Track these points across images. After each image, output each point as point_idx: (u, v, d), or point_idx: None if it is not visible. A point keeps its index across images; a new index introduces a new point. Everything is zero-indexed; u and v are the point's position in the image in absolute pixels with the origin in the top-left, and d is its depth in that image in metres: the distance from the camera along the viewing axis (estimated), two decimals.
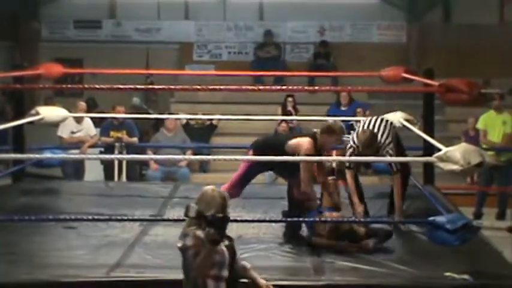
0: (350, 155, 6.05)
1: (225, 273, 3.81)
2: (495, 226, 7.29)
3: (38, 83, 7.93)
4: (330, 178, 6.05)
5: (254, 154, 5.74)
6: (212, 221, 3.76)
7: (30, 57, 12.73)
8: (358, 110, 11.43)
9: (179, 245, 3.79)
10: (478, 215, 9.55)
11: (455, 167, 4.95)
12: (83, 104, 10.28)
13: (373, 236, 5.38)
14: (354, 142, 6.06)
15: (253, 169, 5.75)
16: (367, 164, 8.25)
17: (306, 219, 5.63)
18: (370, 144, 5.92)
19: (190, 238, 3.76)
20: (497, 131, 9.86)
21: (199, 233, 3.75)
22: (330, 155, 10.10)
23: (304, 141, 5.61)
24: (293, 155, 5.58)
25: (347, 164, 6.07)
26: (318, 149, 5.64)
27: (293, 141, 5.65)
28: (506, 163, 9.60)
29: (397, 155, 5.95)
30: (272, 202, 6.68)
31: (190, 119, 11.03)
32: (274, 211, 6.42)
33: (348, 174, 6.06)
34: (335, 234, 5.43)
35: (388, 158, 6.00)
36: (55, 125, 8.40)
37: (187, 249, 3.76)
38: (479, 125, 10.04)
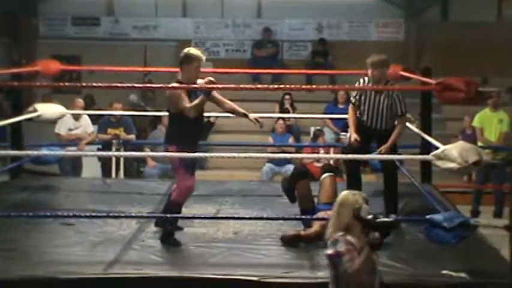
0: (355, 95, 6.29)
1: (376, 279, 3.75)
2: (492, 224, 7.26)
3: (35, 80, 7.91)
4: (327, 175, 6.05)
5: None
6: (378, 225, 3.69)
7: (28, 54, 12.72)
8: None
9: (330, 252, 3.66)
10: (475, 213, 9.57)
11: (452, 165, 4.96)
12: (80, 101, 10.28)
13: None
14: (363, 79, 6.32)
15: None
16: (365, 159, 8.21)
17: (304, 217, 5.65)
18: (382, 63, 6.24)
19: (342, 244, 3.64)
20: (494, 129, 9.87)
21: (350, 238, 3.66)
22: (328, 153, 10.15)
23: None
24: None
25: (352, 100, 6.31)
26: None
27: None
28: (503, 161, 9.61)
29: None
30: (269, 199, 6.69)
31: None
32: (271, 208, 6.44)
33: (350, 108, 6.30)
34: None
35: (390, 157, 6.00)
36: (53, 122, 8.39)
37: (341, 255, 3.63)
38: (475, 123, 10.05)
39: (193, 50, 5.59)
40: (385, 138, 6.13)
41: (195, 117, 5.41)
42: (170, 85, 5.46)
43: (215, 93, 5.61)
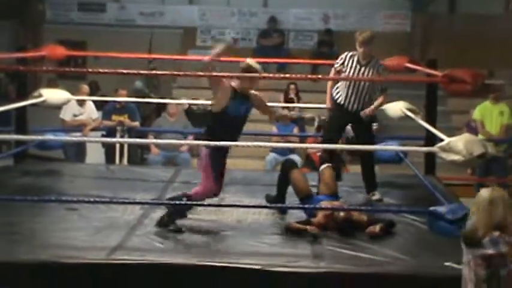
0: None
1: None
2: None
3: (41, 64, 7.92)
4: (325, 165, 6.06)
5: None
6: None
7: (34, 39, 12.72)
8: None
9: (492, 252, 3.55)
10: None
11: (457, 157, 4.96)
12: (85, 87, 10.27)
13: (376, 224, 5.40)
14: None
15: None
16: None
17: (306, 206, 5.65)
18: (372, 38, 6.39)
19: (503, 244, 3.55)
20: (495, 122, 9.82)
21: (508, 237, 3.56)
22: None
23: None
24: None
25: (336, 66, 6.49)
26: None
27: None
28: (504, 154, 9.59)
29: None
30: (273, 189, 6.69)
31: (193, 105, 11.02)
32: None
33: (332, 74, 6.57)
34: (332, 223, 5.44)
35: (390, 147, 6.00)
36: (57, 107, 8.39)
37: (504, 256, 3.55)
38: (476, 116, 10.00)
39: (254, 63, 5.61)
40: (360, 122, 6.33)
41: (233, 117, 5.42)
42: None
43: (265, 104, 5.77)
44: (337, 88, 6.52)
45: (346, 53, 6.52)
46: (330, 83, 6.55)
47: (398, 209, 5.84)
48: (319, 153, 10.41)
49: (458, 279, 4.50)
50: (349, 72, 6.37)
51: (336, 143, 6.61)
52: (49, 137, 7.55)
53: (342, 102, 6.40)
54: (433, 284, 4.58)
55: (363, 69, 6.36)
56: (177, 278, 4.59)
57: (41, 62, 8.01)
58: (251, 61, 5.61)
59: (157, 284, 4.58)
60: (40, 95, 7.34)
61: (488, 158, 5.15)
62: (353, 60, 6.43)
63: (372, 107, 6.36)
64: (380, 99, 6.42)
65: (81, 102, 9.84)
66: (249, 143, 6.08)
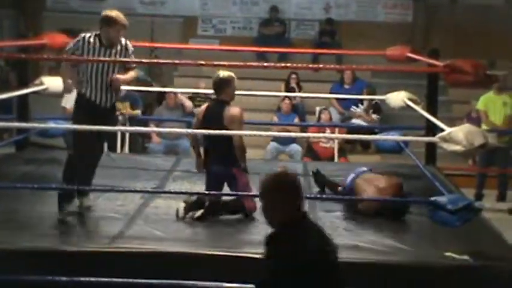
0: None
1: None
2: (495, 208, 7.31)
3: (42, 52, 7.90)
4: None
5: None
6: None
7: (34, 27, 12.69)
8: (365, 90, 11.39)
9: None
10: (479, 197, 9.58)
11: (458, 147, 4.96)
12: None
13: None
14: None
15: None
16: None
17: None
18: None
19: None
20: (498, 112, 9.83)
21: None
22: (333, 132, 10.13)
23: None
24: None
25: (69, 50, 5.53)
26: None
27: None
28: (507, 145, 9.60)
29: None
30: None
31: (194, 93, 11.02)
32: None
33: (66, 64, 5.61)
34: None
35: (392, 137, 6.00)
36: (59, 95, 8.37)
37: None
38: (479, 106, 10.01)
39: (225, 73, 5.64)
40: (109, 116, 5.59)
41: None
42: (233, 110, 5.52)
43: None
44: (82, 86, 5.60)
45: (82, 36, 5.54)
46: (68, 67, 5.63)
47: (398, 199, 5.84)
48: (325, 144, 10.46)
49: (458, 269, 4.53)
50: (88, 54, 5.51)
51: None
52: (50, 124, 7.55)
53: (88, 97, 5.57)
54: (433, 273, 4.58)
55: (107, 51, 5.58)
56: (177, 266, 4.60)
57: (41, 50, 7.99)
58: (221, 73, 5.65)
59: (157, 272, 4.58)
60: (41, 83, 7.33)
61: (491, 148, 5.15)
62: None
63: (124, 77, 5.57)
64: (132, 73, 5.66)
65: None
66: (250, 132, 6.08)
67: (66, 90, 5.77)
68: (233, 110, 5.59)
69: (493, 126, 9.58)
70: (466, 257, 4.64)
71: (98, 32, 5.50)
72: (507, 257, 4.67)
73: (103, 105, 5.51)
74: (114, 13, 5.52)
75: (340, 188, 6.10)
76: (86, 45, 5.45)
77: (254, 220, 5.42)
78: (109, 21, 5.45)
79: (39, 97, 7.61)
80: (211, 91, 5.84)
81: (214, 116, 5.57)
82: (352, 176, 5.95)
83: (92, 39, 5.46)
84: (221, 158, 5.59)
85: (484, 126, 9.28)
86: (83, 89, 5.48)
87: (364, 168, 6.04)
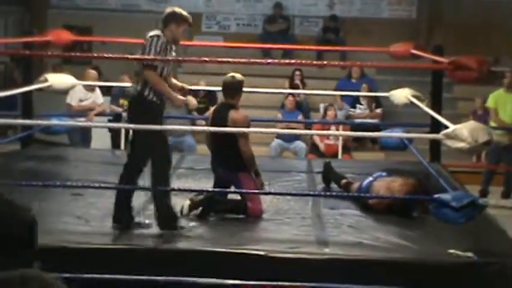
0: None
1: None
2: (500, 205, 7.30)
3: (46, 49, 7.93)
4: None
5: None
6: None
7: (39, 24, 12.70)
8: (364, 85, 11.40)
9: None
10: (484, 194, 9.55)
11: (462, 144, 4.95)
12: (93, 72, 10.24)
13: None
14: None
15: None
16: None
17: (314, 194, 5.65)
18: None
19: None
20: (508, 110, 9.78)
21: None
22: (337, 130, 10.13)
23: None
24: None
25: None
26: None
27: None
28: None
29: None
30: (277, 175, 6.71)
31: (198, 91, 11.02)
32: (278, 183, 6.45)
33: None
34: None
35: (394, 134, 6.00)
36: (63, 92, 8.40)
37: None
38: (490, 104, 9.95)
39: (238, 76, 5.67)
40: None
41: None
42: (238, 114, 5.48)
43: None
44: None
45: None
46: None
47: (402, 196, 5.84)
48: (329, 141, 10.46)
49: (462, 266, 4.52)
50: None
51: None
52: (55, 121, 7.57)
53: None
54: (437, 271, 4.58)
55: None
56: (180, 263, 4.61)
57: (46, 47, 8.01)
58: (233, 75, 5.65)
59: (161, 269, 4.59)
60: (46, 80, 7.35)
61: (498, 146, 5.13)
62: None
63: None
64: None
65: (89, 88, 9.82)
66: (254, 129, 6.08)
67: (192, 106, 5.69)
68: (236, 114, 5.57)
69: (502, 123, 9.52)
70: (469, 254, 4.63)
71: (159, 31, 5.18)
72: (511, 254, 4.66)
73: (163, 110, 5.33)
74: (182, 11, 5.24)
75: (354, 185, 6.07)
76: (168, 45, 5.17)
77: (257, 220, 5.42)
78: (179, 19, 5.20)
79: (44, 94, 7.64)
80: (213, 88, 5.83)
81: (219, 119, 5.57)
82: (369, 179, 5.95)
83: (165, 39, 5.15)
84: (226, 162, 5.59)
85: (492, 124, 9.24)
86: (154, 94, 5.15)
87: (383, 174, 6.04)
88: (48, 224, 5.11)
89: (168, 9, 5.29)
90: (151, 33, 5.16)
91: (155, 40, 5.08)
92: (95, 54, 9.13)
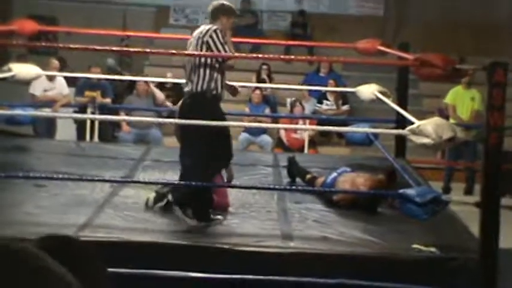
0: None
1: None
2: (463, 201, 7.36)
3: (11, 39, 7.81)
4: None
5: None
6: None
7: (4, 13, 12.53)
8: (330, 81, 11.43)
9: None
10: (447, 190, 9.66)
11: (427, 140, 4.98)
12: (56, 62, 10.16)
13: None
14: None
15: None
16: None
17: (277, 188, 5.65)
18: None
19: None
20: (466, 107, 9.90)
21: None
22: (304, 124, 10.14)
23: None
24: None
25: None
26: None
27: None
28: (474, 139, 9.67)
29: None
30: (244, 168, 6.69)
31: (164, 83, 10.97)
32: (244, 177, 6.44)
33: None
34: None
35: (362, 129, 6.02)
36: (27, 82, 8.29)
37: None
38: (448, 100, 10.08)
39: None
40: None
41: None
42: None
43: None
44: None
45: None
46: None
47: (367, 192, 5.86)
48: (296, 135, 10.46)
49: (425, 261, 4.56)
50: None
51: None
52: (19, 111, 7.47)
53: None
54: (400, 265, 4.61)
55: None
56: (144, 256, 4.58)
57: (10, 36, 7.89)
58: None
59: (125, 261, 4.56)
60: (10, 70, 7.24)
61: (460, 142, 5.18)
62: None
63: None
64: None
65: (51, 77, 9.73)
66: (222, 123, 6.04)
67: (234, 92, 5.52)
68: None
69: (460, 120, 9.65)
70: (432, 249, 4.67)
71: (212, 25, 5.16)
72: (473, 249, 4.71)
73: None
74: (230, 3, 5.28)
75: (319, 180, 6.08)
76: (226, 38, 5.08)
77: (223, 213, 5.41)
78: (229, 12, 5.23)
79: (7, 84, 7.53)
80: (180, 80, 5.80)
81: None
82: (334, 174, 5.94)
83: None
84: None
85: (451, 120, 9.33)
86: (216, 88, 5.20)
87: (348, 169, 6.04)
88: (10, 216, 5.06)
89: (215, 2, 5.27)
90: (208, 27, 5.10)
91: (220, 34, 5.04)
92: (60, 45, 9.03)
